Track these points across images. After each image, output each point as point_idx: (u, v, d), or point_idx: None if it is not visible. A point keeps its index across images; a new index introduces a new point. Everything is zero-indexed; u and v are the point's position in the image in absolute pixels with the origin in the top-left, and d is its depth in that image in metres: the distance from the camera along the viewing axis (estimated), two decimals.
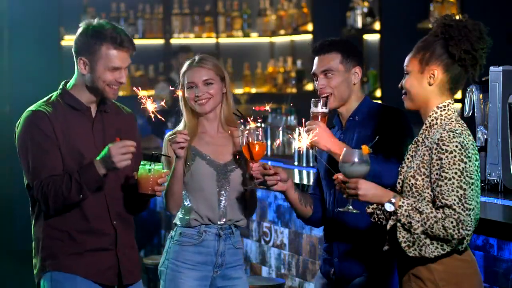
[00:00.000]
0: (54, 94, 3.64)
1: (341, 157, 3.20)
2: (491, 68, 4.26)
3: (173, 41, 9.86)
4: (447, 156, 3.06)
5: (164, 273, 3.99)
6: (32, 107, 3.58)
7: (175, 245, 3.98)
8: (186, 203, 3.98)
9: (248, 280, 4.83)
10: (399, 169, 3.28)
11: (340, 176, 3.31)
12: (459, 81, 3.22)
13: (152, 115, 3.75)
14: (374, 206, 3.29)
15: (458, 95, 7.23)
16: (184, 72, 3.98)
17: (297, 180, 5.04)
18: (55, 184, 3.45)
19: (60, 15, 9.26)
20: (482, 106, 4.40)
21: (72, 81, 3.63)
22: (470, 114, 4.45)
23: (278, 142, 5.86)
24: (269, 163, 5.30)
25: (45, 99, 3.62)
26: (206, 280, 3.97)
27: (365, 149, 3.18)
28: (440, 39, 3.20)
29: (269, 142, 6.04)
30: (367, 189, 3.14)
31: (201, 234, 3.95)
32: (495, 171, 4.21)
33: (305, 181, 4.99)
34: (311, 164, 5.53)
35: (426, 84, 3.21)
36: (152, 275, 5.90)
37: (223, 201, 3.94)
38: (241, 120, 3.89)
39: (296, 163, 5.65)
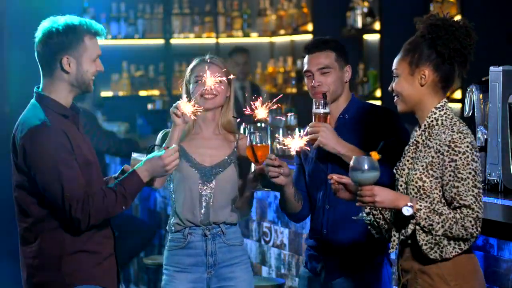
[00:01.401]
0: (36, 104, 3.46)
1: (351, 164, 3.16)
2: (491, 68, 4.26)
3: (173, 41, 9.85)
4: (460, 158, 3.09)
5: (162, 280, 4.02)
6: (35, 122, 3.37)
7: (167, 251, 4.02)
8: (172, 207, 4.00)
9: None
10: (399, 171, 3.27)
11: (334, 176, 3.31)
12: (450, 79, 3.23)
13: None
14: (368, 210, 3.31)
15: (458, 95, 7.23)
16: (193, 67, 3.98)
17: None
18: (95, 200, 3.35)
19: (61, 15, 9.26)
20: (482, 106, 4.40)
21: (46, 86, 3.50)
22: (470, 114, 4.45)
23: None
24: None
25: (33, 110, 3.45)
26: (201, 282, 3.96)
27: (375, 155, 3.15)
28: (427, 39, 3.19)
29: (269, 142, 6.02)
30: (384, 196, 3.11)
31: (186, 237, 3.95)
32: (495, 171, 4.21)
33: None
34: None
35: (417, 85, 3.21)
36: (152, 275, 5.89)
37: (204, 204, 3.93)
38: (246, 123, 3.89)
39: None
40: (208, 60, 3.96)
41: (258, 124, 3.82)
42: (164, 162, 3.46)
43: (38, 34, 3.49)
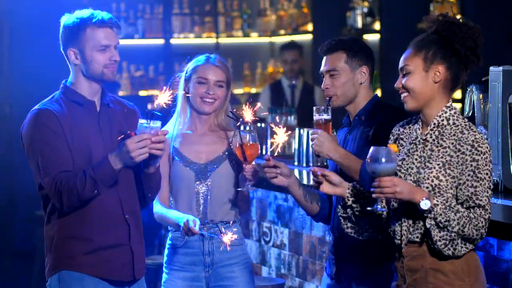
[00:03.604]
0: (57, 92, 3.63)
1: (369, 155, 3.14)
2: (491, 68, 4.26)
3: (173, 41, 9.85)
4: (482, 158, 3.11)
5: (162, 278, 4.03)
6: (37, 106, 3.57)
7: (167, 249, 4.02)
8: (171, 206, 3.98)
9: None
10: (403, 170, 3.25)
11: (316, 168, 3.34)
12: (459, 79, 3.24)
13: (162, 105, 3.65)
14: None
15: (458, 95, 7.23)
16: (197, 66, 3.95)
17: None
18: (68, 180, 3.43)
19: (60, 15, 9.26)
20: (482, 106, 4.40)
21: (69, 79, 3.63)
22: (470, 114, 4.45)
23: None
24: None
25: (49, 98, 3.61)
26: (199, 281, 3.95)
27: (394, 147, 3.15)
28: (443, 36, 3.19)
29: (269, 142, 6.04)
30: (404, 187, 3.10)
31: (183, 236, 3.92)
32: (495, 171, 4.21)
33: (305, 181, 4.98)
34: (310, 164, 5.53)
35: (431, 82, 3.20)
36: (152, 275, 5.89)
37: (202, 202, 3.92)
38: (236, 121, 3.88)
39: (296, 163, 5.64)
40: (214, 62, 3.94)
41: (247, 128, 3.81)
42: (128, 148, 3.41)
43: None
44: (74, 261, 3.53)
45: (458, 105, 7.10)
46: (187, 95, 3.97)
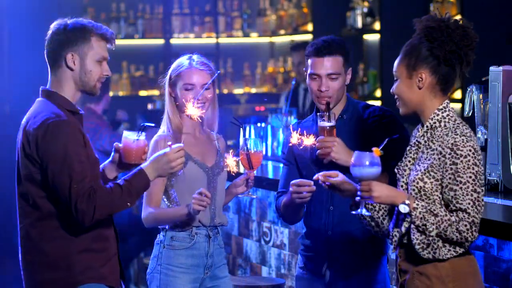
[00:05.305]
0: (45, 100, 3.47)
1: (352, 159, 3.17)
2: (491, 68, 4.26)
3: (173, 41, 9.86)
4: (462, 161, 3.08)
5: (157, 279, 3.94)
6: (49, 115, 3.38)
7: (168, 250, 3.94)
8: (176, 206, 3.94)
9: (248, 280, 4.84)
10: (400, 171, 3.26)
11: (320, 176, 3.32)
12: (449, 80, 3.22)
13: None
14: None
15: (458, 95, 7.23)
16: (182, 72, 3.92)
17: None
18: (101, 194, 3.34)
19: (60, 15, 9.27)
20: (482, 106, 4.40)
21: (53, 84, 3.51)
22: (470, 114, 4.46)
23: None
24: (270, 163, 5.31)
25: (46, 105, 3.45)
26: (197, 282, 3.95)
27: (377, 151, 3.17)
28: (424, 41, 3.19)
29: (269, 142, 6.05)
30: (381, 191, 3.12)
31: (193, 237, 3.92)
32: (495, 171, 4.21)
33: None
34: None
35: (415, 88, 3.21)
36: None
37: (213, 204, 3.92)
38: (240, 127, 3.89)
39: None
40: (198, 66, 3.90)
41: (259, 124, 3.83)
42: (169, 158, 3.44)
43: (48, 33, 3.53)
44: (96, 273, 3.46)
45: (458, 105, 7.11)
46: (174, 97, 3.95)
